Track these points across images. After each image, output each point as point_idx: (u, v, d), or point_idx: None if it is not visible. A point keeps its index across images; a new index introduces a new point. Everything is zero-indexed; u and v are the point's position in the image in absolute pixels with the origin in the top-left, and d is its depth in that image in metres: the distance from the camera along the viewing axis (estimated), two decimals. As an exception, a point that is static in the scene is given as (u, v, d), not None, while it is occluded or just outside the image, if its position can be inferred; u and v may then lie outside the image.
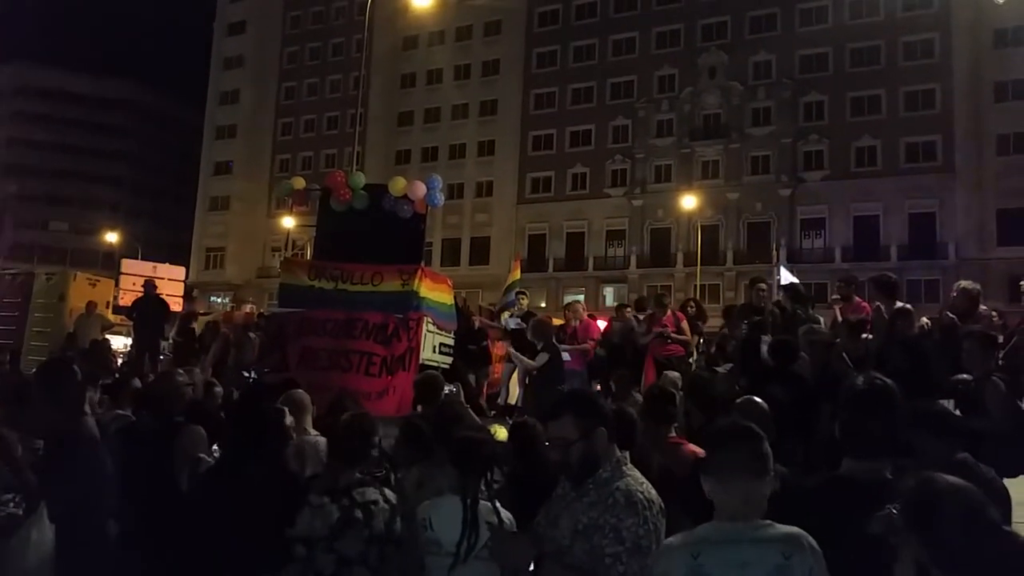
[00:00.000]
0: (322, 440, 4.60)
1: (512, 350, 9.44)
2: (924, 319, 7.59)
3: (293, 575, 3.44)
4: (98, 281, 17.31)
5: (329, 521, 3.46)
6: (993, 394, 4.90)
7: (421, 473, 3.87)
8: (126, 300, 16.18)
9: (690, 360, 10.04)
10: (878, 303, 7.06)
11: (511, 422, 5.54)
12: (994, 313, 7.81)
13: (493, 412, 9.14)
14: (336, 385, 6.40)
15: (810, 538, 2.24)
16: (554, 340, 9.39)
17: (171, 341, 12.75)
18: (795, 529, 2.26)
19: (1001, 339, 6.78)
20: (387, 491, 3.59)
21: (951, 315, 6.55)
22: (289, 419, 4.52)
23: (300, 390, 5.10)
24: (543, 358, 9.03)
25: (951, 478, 2.12)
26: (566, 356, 9.99)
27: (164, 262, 21.22)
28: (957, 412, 4.55)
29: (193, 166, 64.02)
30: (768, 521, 2.28)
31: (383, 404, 6.82)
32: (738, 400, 4.48)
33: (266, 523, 3.52)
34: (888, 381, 2.69)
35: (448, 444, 3.53)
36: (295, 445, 4.53)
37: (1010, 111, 38.00)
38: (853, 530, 2.31)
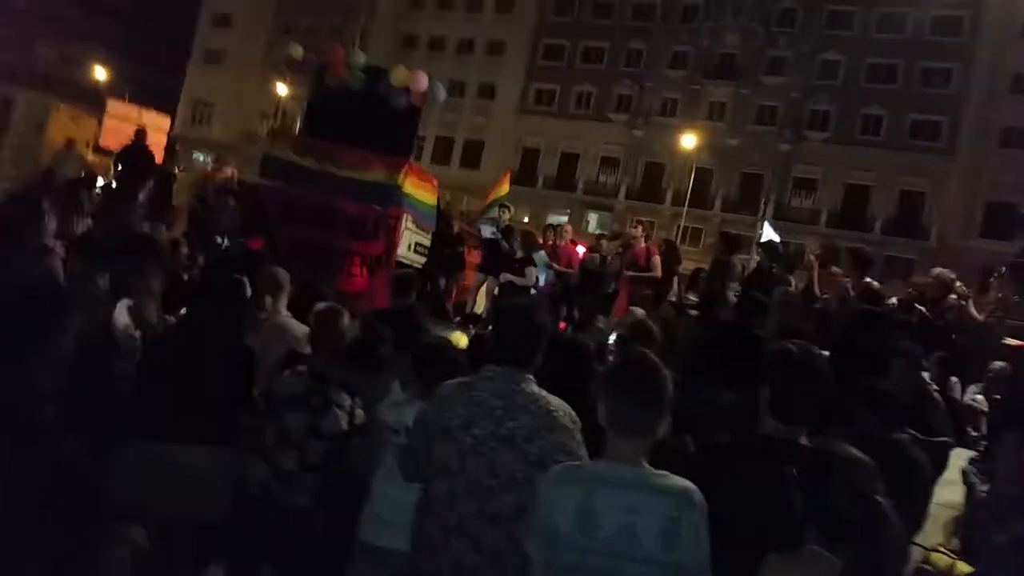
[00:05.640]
0: (294, 323, 4.61)
1: (510, 275, 9.44)
2: (894, 298, 7.74)
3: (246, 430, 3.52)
4: (81, 117, 16.87)
5: (291, 390, 3.52)
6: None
7: (375, 373, 3.92)
8: (107, 142, 15.85)
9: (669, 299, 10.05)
10: (848, 276, 7.16)
11: (473, 332, 5.61)
12: (964, 302, 7.95)
13: (458, 319, 9.24)
14: (324, 286, 6.29)
15: (700, 494, 2.29)
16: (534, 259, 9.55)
17: (148, 195, 12.54)
18: (688, 483, 2.31)
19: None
20: (358, 407, 3.60)
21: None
22: (267, 299, 4.54)
23: (280, 268, 5.01)
24: (531, 273, 9.17)
25: (847, 448, 2.26)
26: (545, 278, 10.07)
27: (151, 109, 20.69)
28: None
29: (194, 13, 61.61)
30: (663, 472, 2.32)
31: (363, 304, 6.83)
32: None
33: (215, 391, 3.57)
34: (819, 352, 2.78)
35: (410, 349, 3.57)
36: (270, 323, 4.54)
37: (1023, 105, 37.61)
38: (761, 485, 2.42)
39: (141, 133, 13.32)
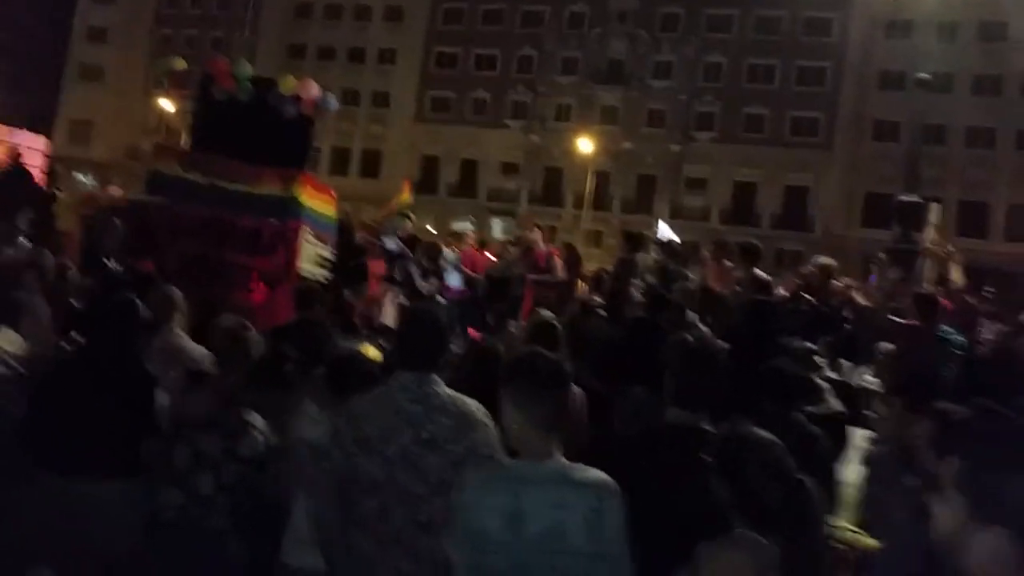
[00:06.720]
0: (190, 343, 4.44)
1: (416, 274, 9.35)
2: (782, 288, 8.08)
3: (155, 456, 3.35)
4: (-57, 140, 15.78)
5: (202, 412, 3.40)
6: None
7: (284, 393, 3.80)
8: (-27, 165, 14.83)
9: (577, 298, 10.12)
10: (738, 269, 7.44)
11: (383, 344, 5.53)
12: (850, 287, 8.39)
13: (367, 331, 9.08)
14: (222, 301, 6.06)
15: (617, 485, 2.35)
16: (441, 265, 9.50)
17: (28, 219, 11.81)
18: (605, 475, 2.37)
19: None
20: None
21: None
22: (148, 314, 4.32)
23: (173, 288, 4.83)
24: (435, 283, 9.12)
25: (757, 431, 2.35)
26: (456, 283, 10.02)
27: (23, 129, 19.53)
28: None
29: (66, 28, 58.45)
30: (581, 464, 2.38)
31: (263, 318, 6.63)
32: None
33: (116, 420, 3.40)
34: (714, 339, 2.90)
35: (321, 363, 3.49)
36: (165, 346, 4.36)
37: (891, 100, 39.90)
38: (667, 470, 2.49)
39: (16, 154, 12.55)
